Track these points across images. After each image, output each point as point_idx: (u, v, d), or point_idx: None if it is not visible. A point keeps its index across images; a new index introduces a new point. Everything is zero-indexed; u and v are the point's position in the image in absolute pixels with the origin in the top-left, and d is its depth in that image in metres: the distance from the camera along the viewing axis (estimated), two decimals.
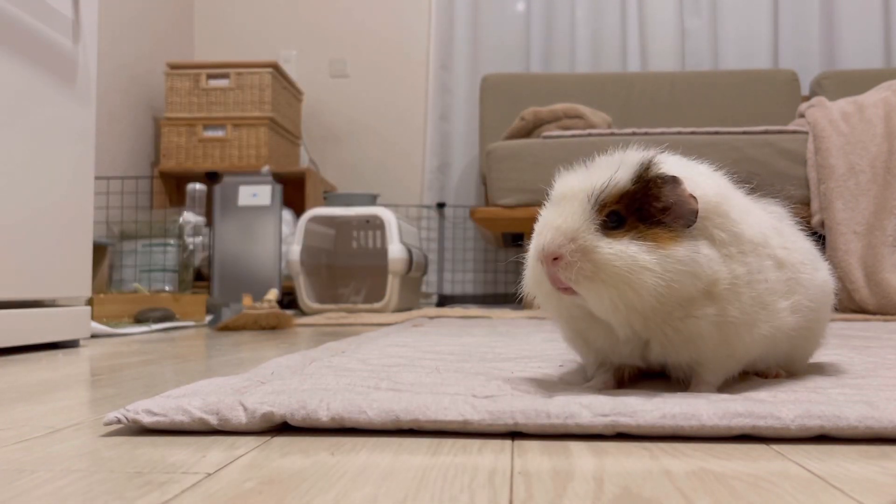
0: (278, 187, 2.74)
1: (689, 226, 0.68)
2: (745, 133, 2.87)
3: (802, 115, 3.04)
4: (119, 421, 0.63)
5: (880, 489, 0.46)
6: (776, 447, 0.57)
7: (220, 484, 0.48)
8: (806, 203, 2.76)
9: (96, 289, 2.54)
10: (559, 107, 3.21)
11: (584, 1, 3.97)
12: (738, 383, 0.79)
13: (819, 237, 1.21)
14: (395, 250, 2.83)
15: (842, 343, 1.34)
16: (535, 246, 0.71)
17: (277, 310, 2.11)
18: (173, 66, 3.51)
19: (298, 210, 3.33)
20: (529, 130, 3.21)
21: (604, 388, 0.75)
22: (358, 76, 4.11)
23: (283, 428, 0.63)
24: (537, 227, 0.71)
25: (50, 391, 0.89)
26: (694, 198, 0.68)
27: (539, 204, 0.74)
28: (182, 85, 3.48)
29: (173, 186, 3.59)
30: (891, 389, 0.74)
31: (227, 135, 3.44)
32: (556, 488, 0.46)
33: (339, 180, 4.02)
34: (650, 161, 0.69)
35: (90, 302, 1.82)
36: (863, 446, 0.57)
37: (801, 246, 0.81)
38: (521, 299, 0.78)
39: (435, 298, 3.77)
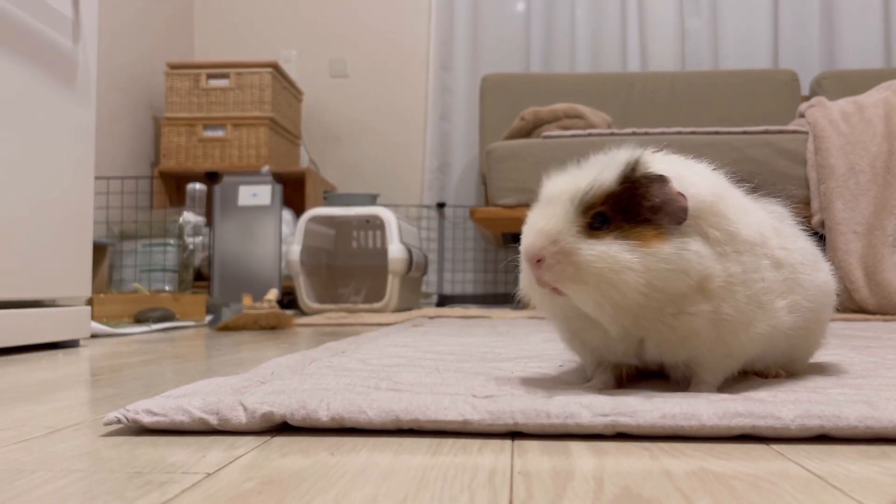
0: (278, 187, 2.74)
1: (679, 223, 0.68)
2: (744, 133, 2.87)
3: (802, 115, 3.03)
4: (119, 421, 0.63)
5: (880, 489, 0.46)
6: (776, 447, 0.57)
7: (220, 484, 0.48)
8: (806, 203, 2.76)
9: (96, 289, 2.54)
10: (559, 107, 3.21)
11: (584, 1, 3.97)
12: (737, 383, 0.79)
13: (819, 237, 1.21)
14: (395, 250, 2.83)
15: (842, 343, 1.34)
16: (521, 248, 0.72)
17: (277, 310, 2.11)
18: (173, 66, 3.51)
19: (298, 210, 3.33)
20: (529, 130, 3.21)
21: (604, 388, 0.75)
22: (358, 76, 4.11)
23: (283, 428, 0.63)
24: (524, 229, 0.72)
25: (50, 391, 0.89)
26: (683, 196, 0.68)
27: None
28: (182, 85, 3.48)
29: (173, 186, 3.59)
30: (891, 389, 0.74)
31: (227, 135, 3.44)
32: (556, 488, 0.46)
33: (339, 180, 4.01)
34: (636, 161, 0.69)
35: (90, 302, 1.82)
36: (863, 446, 0.57)
37: (800, 246, 0.80)
38: (520, 299, 0.78)
39: (435, 298, 3.77)
